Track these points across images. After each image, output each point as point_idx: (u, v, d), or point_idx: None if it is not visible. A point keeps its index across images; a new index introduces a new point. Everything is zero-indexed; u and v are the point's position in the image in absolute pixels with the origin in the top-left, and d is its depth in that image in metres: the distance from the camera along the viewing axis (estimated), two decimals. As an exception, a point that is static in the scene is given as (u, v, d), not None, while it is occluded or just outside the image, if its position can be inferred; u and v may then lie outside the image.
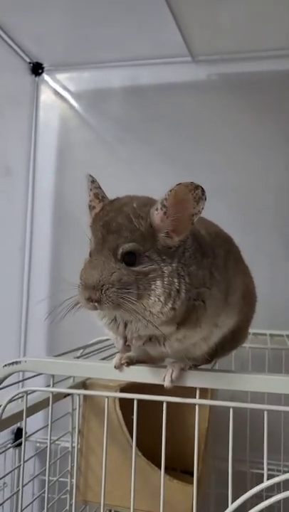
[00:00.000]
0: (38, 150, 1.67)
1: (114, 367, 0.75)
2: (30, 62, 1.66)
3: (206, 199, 0.64)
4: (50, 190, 1.64)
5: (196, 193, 0.64)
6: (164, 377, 0.71)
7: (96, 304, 0.63)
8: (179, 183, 0.64)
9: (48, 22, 1.43)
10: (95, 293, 0.63)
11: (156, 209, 0.66)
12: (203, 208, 0.65)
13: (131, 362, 0.75)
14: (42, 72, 1.68)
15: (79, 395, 1.02)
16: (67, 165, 1.66)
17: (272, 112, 1.50)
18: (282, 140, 1.48)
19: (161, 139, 1.57)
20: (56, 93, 1.70)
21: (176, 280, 0.65)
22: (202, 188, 0.64)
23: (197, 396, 0.73)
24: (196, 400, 0.73)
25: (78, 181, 0.74)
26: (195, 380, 0.72)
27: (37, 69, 1.67)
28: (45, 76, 1.69)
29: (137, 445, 0.90)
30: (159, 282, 0.65)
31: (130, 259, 0.65)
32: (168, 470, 1.06)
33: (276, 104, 1.49)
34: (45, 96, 1.70)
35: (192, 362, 0.74)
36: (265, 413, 0.69)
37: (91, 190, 0.71)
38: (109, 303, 0.63)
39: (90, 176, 0.72)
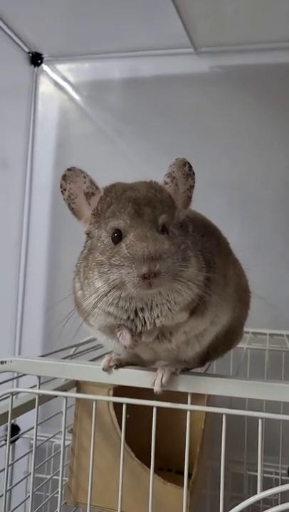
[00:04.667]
0: (36, 142, 1.64)
1: (103, 369, 0.72)
2: (29, 52, 1.63)
3: (194, 174, 0.68)
4: (48, 184, 1.61)
5: (184, 169, 0.68)
6: (153, 381, 0.69)
7: (154, 278, 0.57)
8: (176, 158, 0.68)
9: (48, 11, 1.40)
10: (155, 264, 0.58)
11: (166, 182, 0.68)
12: (194, 182, 0.69)
13: (120, 364, 0.73)
14: (41, 62, 1.65)
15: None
16: (66, 158, 1.62)
17: (274, 105, 1.47)
18: (285, 134, 1.45)
19: (162, 132, 1.54)
20: (55, 84, 1.66)
21: (199, 252, 0.66)
22: (189, 164, 0.68)
23: (189, 402, 0.70)
24: (188, 406, 0.70)
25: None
26: (186, 384, 0.69)
27: (36, 59, 1.64)
28: (45, 66, 1.66)
29: (131, 446, 0.88)
30: (190, 253, 0.64)
31: (164, 230, 0.63)
32: (163, 471, 1.04)
33: (279, 97, 1.46)
34: (44, 87, 1.67)
35: (184, 365, 0.72)
36: (260, 421, 0.67)
37: (85, 177, 0.69)
38: (168, 274, 0.59)
39: (73, 167, 0.70)
